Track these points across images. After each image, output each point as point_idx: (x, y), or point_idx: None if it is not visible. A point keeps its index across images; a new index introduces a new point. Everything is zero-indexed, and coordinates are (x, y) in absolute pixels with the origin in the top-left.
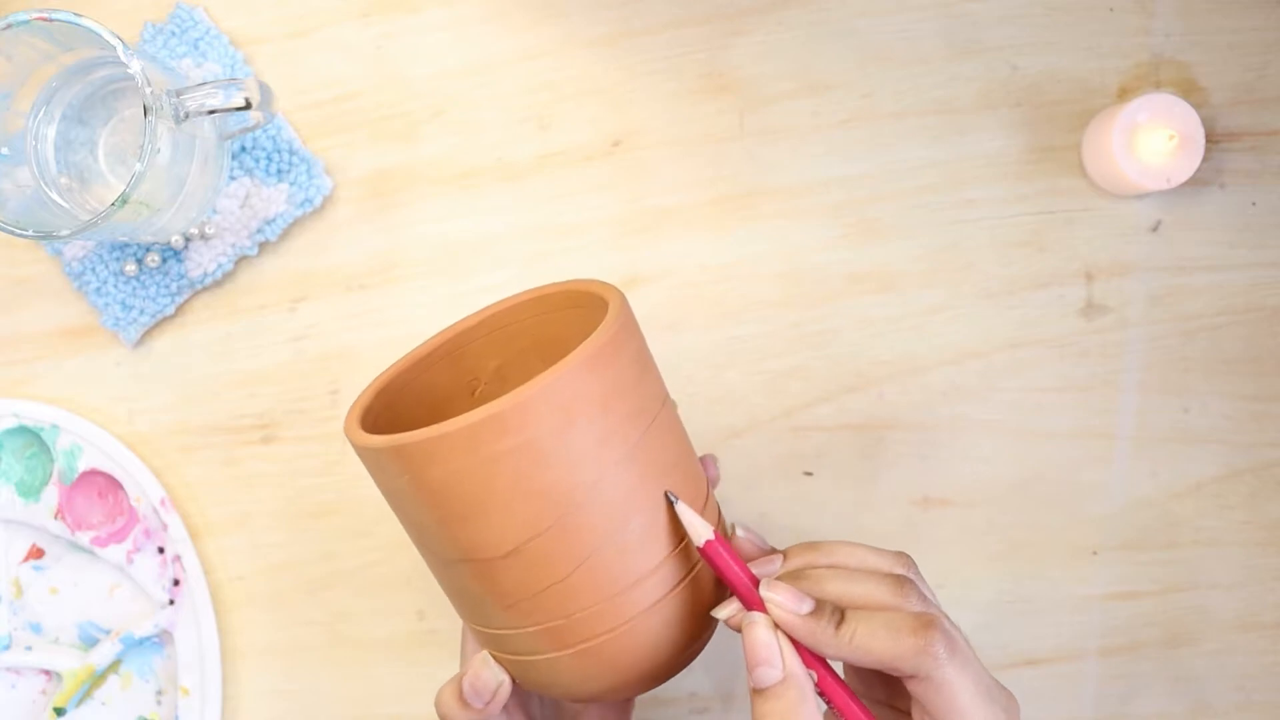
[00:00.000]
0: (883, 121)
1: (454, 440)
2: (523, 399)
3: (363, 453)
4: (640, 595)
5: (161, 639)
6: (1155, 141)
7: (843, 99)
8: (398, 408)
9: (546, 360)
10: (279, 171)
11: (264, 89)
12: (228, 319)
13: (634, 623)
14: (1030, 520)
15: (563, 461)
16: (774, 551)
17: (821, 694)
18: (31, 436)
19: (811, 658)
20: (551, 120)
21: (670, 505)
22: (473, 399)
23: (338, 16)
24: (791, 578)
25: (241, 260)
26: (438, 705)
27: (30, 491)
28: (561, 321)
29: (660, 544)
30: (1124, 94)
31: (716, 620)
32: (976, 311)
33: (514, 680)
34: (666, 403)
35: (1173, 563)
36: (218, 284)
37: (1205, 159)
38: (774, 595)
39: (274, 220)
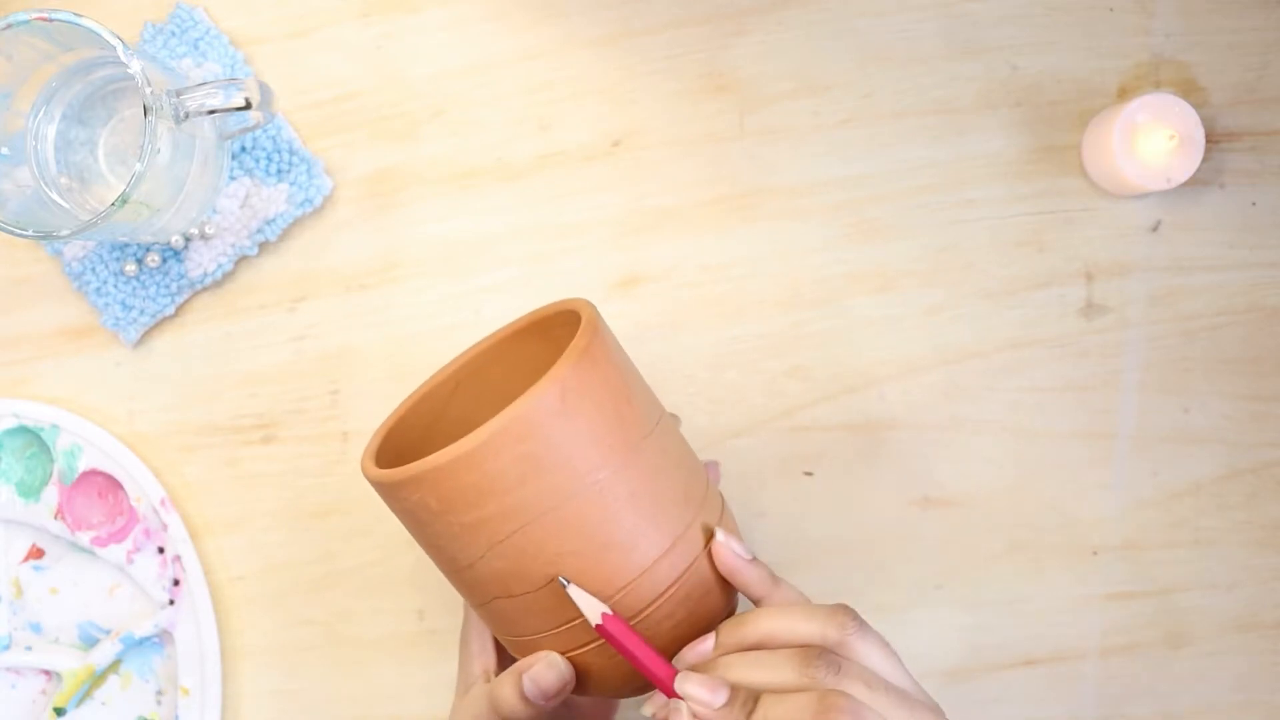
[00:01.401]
0: (883, 121)
1: (486, 448)
2: (534, 395)
3: (377, 487)
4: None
5: (161, 639)
6: (1155, 141)
7: (843, 99)
8: (404, 448)
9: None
10: (279, 171)
11: (264, 89)
12: (228, 319)
13: (667, 595)
14: (1030, 520)
15: (559, 464)
16: (754, 561)
17: None
18: (31, 436)
19: None
20: (552, 120)
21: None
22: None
23: (338, 16)
24: (709, 666)
25: (241, 260)
26: (496, 702)
27: (30, 491)
28: (529, 352)
29: (681, 515)
30: (1124, 94)
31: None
32: (976, 311)
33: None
34: (663, 416)
35: (1172, 563)
36: (218, 284)
37: (1205, 159)
38: (689, 688)
39: (274, 220)
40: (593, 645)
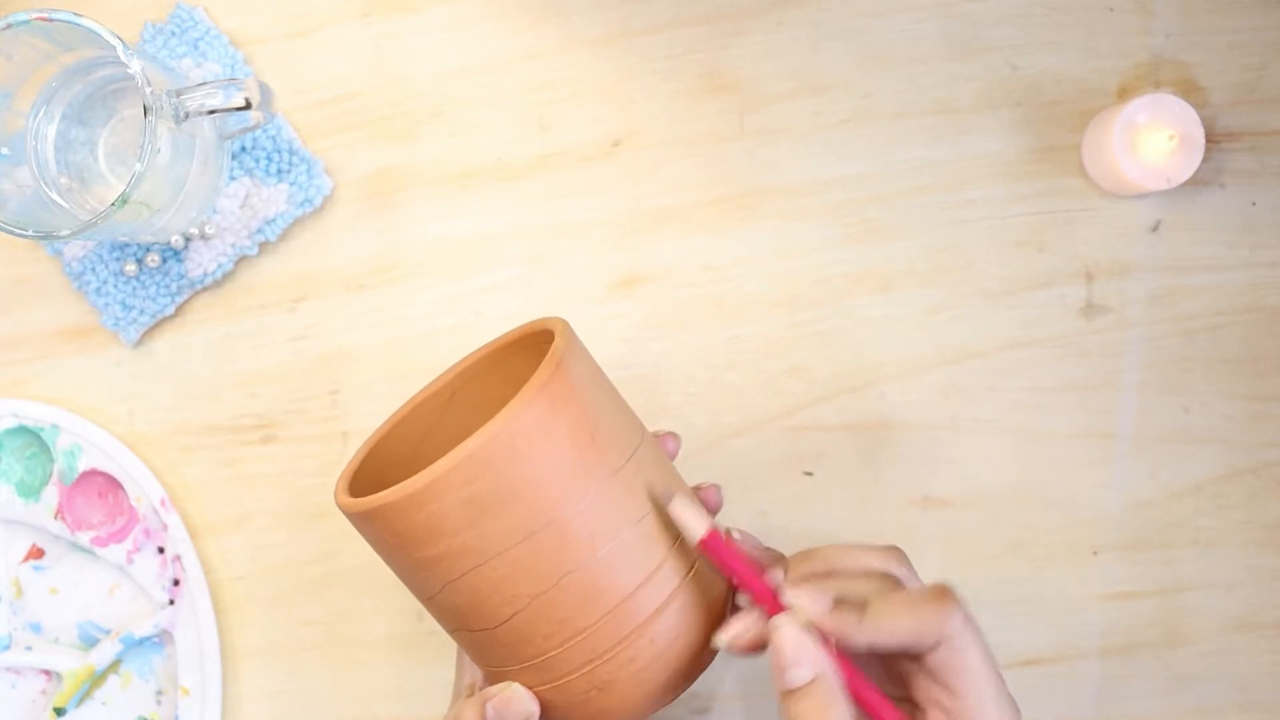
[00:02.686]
0: (883, 121)
1: (430, 489)
2: (484, 437)
3: (345, 514)
4: (633, 613)
5: (161, 639)
6: (1155, 141)
7: (843, 99)
8: (387, 468)
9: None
10: (279, 171)
11: (264, 89)
12: (228, 319)
13: (631, 638)
14: (1030, 520)
15: (529, 493)
16: (770, 551)
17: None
18: (31, 436)
19: (838, 657)
20: (552, 120)
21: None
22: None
23: (338, 16)
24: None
25: (241, 260)
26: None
27: (30, 491)
28: (526, 363)
29: (649, 556)
30: (1124, 94)
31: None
32: (976, 311)
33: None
34: (640, 445)
35: (1172, 563)
36: (218, 284)
37: (1205, 159)
38: (797, 597)
39: (274, 220)
40: (558, 681)
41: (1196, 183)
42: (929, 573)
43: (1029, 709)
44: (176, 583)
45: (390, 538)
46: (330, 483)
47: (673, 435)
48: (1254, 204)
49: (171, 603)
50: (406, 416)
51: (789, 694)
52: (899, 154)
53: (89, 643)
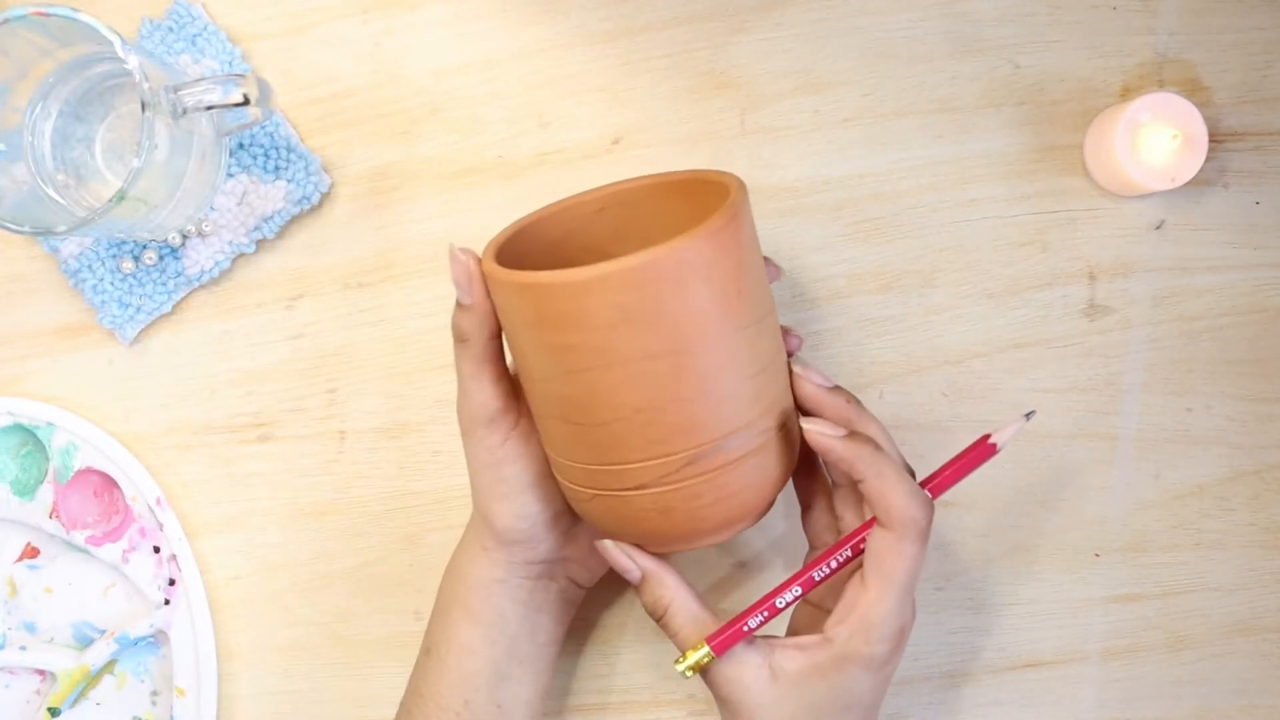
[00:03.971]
0: (884, 120)
1: (588, 285)
2: (651, 257)
3: (489, 280)
4: (731, 446)
5: (157, 639)
6: (1158, 141)
7: (844, 98)
8: (524, 253)
9: (665, 235)
10: (277, 168)
11: (262, 85)
12: (225, 317)
13: (707, 476)
14: (1031, 522)
15: (672, 319)
16: (836, 388)
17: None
18: (27, 434)
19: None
20: (551, 118)
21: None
22: (593, 256)
23: (336, 13)
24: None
25: (239, 258)
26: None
27: (25, 490)
28: (681, 204)
29: (748, 410)
30: (1127, 93)
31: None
32: (978, 311)
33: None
34: (767, 316)
35: (1175, 565)
36: (215, 282)
37: (1209, 159)
38: (811, 425)
39: (272, 218)
40: (626, 491)
41: (1200, 182)
42: (930, 574)
43: (1029, 712)
44: (172, 582)
45: (533, 314)
46: (327, 482)
47: (797, 335)
48: (1258, 204)
49: (167, 602)
50: (556, 214)
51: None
52: (900, 153)
53: (84, 642)
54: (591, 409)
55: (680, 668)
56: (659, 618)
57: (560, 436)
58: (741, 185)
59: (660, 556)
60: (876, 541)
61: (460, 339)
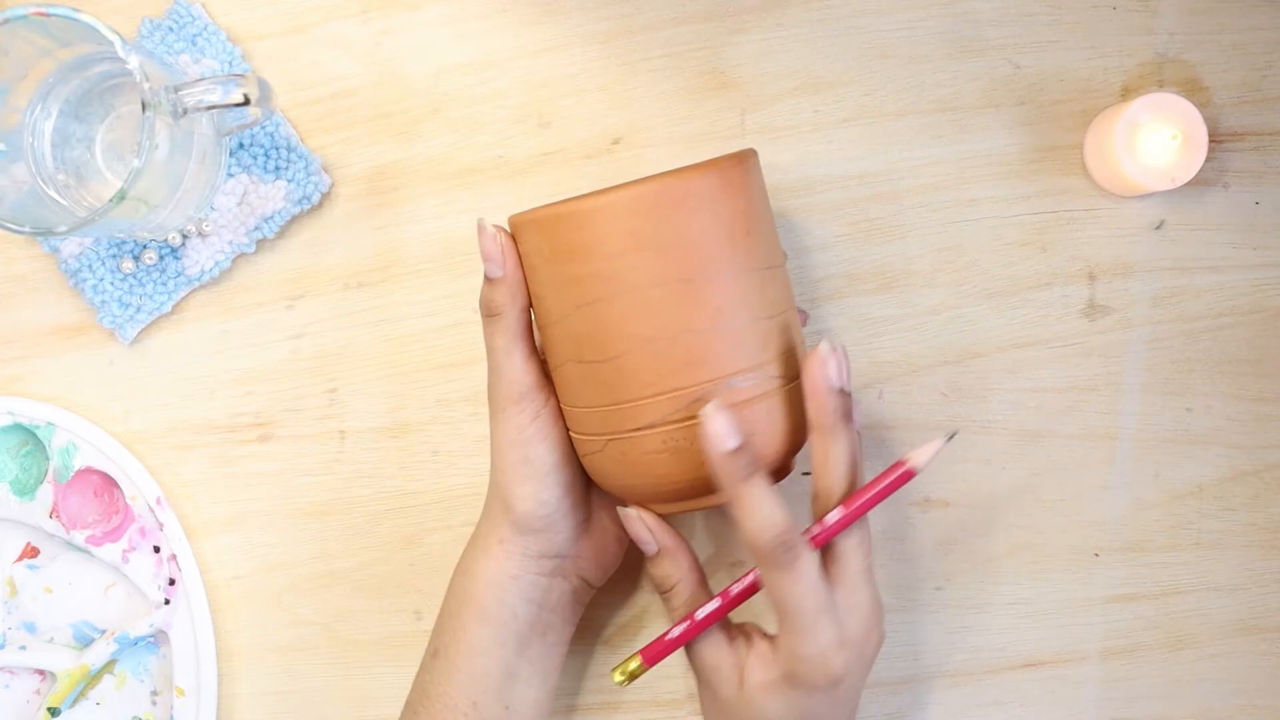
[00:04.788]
0: (884, 120)
1: (600, 211)
2: (660, 183)
3: (513, 228)
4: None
5: (157, 639)
6: (1158, 141)
7: (844, 97)
8: None
9: None
10: (277, 168)
11: (262, 85)
12: (225, 317)
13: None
14: (1031, 522)
15: (681, 246)
16: (841, 391)
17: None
18: (27, 434)
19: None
20: (552, 117)
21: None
22: None
23: (336, 13)
24: None
25: (239, 258)
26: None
27: (25, 490)
28: None
29: (758, 352)
30: (1127, 93)
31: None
32: (978, 311)
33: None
34: (779, 270)
35: (1174, 565)
36: (215, 281)
37: (1209, 159)
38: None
39: (272, 217)
40: (638, 431)
41: (1200, 183)
42: (929, 574)
43: (1029, 712)
44: (172, 582)
45: (549, 248)
46: (328, 482)
47: (804, 311)
48: (1258, 204)
49: (167, 602)
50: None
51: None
52: (900, 153)
53: (84, 642)
54: (603, 343)
55: (615, 675)
56: (664, 592)
57: (574, 380)
58: (755, 155)
59: (678, 533)
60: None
61: (491, 313)
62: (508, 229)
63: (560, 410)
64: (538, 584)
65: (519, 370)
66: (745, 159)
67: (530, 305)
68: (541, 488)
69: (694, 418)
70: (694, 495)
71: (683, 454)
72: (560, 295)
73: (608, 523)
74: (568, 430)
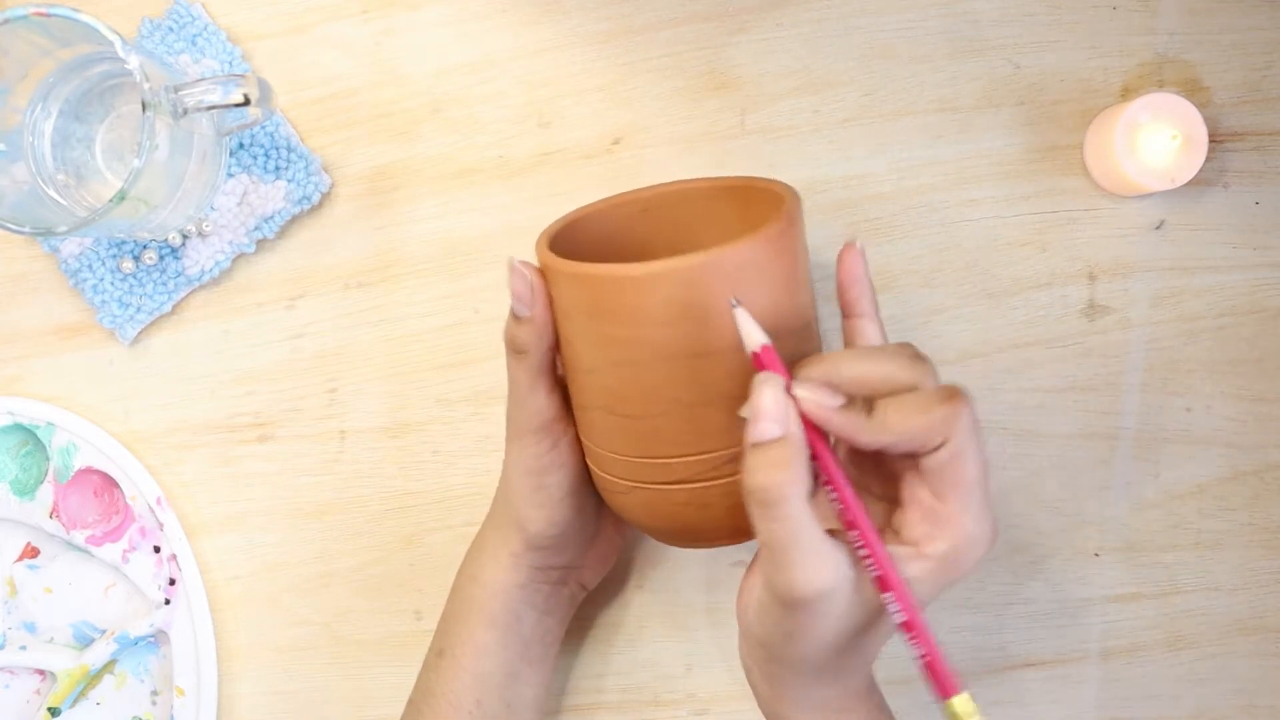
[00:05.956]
0: (884, 120)
1: (649, 280)
2: (713, 257)
3: (547, 270)
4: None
5: (157, 639)
6: (1158, 141)
7: (844, 97)
8: (573, 246)
9: (714, 238)
10: (277, 168)
11: (263, 85)
12: (225, 317)
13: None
14: (1031, 521)
15: (705, 323)
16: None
17: (819, 478)
18: (27, 434)
19: (819, 443)
20: (552, 117)
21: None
22: (638, 254)
23: (337, 13)
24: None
25: (239, 258)
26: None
27: (25, 490)
28: (727, 208)
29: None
30: (1127, 93)
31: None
32: (978, 311)
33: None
34: (812, 321)
35: (1174, 565)
36: (215, 281)
37: (1209, 159)
38: (806, 391)
39: (272, 217)
40: (666, 484)
41: (1200, 183)
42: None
43: (1029, 712)
44: (172, 582)
45: (589, 305)
46: (328, 482)
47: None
48: (1258, 204)
49: (167, 602)
50: (601, 211)
51: (754, 447)
52: (900, 153)
53: (84, 642)
54: (638, 402)
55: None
56: (514, 352)
57: (602, 427)
58: (796, 194)
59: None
60: (932, 460)
61: (518, 350)
62: (537, 263)
63: (578, 439)
64: (542, 591)
65: (541, 404)
66: (794, 218)
67: (557, 344)
68: (555, 511)
69: (724, 475)
70: (717, 540)
71: (710, 508)
72: (595, 349)
73: (611, 533)
74: (584, 459)
